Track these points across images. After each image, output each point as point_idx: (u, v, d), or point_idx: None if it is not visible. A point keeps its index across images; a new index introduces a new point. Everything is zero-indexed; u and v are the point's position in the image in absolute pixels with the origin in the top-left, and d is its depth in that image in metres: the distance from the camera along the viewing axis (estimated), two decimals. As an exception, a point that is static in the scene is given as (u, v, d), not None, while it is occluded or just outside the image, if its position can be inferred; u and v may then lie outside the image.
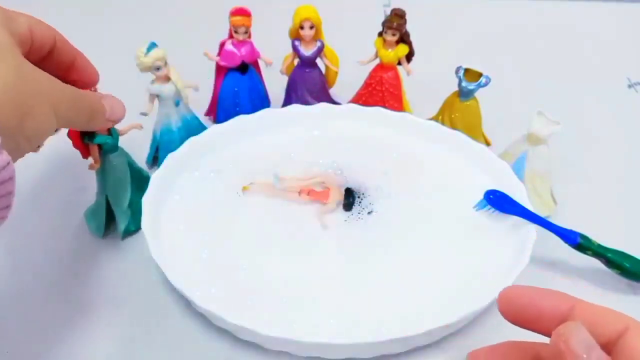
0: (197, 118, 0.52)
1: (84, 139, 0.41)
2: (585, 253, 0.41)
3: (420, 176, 0.47)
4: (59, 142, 0.42)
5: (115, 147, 0.43)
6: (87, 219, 0.46)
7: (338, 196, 0.44)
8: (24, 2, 0.83)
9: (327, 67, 0.55)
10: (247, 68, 0.54)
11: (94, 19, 0.80)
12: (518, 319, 0.22)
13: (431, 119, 0.53)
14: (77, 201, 0.47)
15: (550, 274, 0.43)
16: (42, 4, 0.83)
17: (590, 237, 0.41)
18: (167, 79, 0.47)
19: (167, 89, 0.47)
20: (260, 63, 0.55)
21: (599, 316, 0.20)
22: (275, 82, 0.57)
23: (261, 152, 0.49)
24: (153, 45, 0.45)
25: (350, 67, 0.56)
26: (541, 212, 0.47)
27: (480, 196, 0.44)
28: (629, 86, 0.67)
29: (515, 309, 0.22)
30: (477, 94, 0.50)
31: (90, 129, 0.34)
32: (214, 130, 0.49)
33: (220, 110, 0.56)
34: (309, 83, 0.55)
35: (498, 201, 0.42)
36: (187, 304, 0.39)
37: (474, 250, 0.41)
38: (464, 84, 0.49)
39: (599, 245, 0.41)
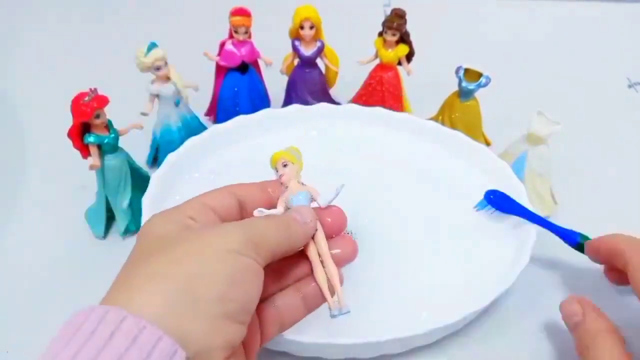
0: (197, 118, 0.52)
1: (84, 139, 0.41)
2: (585, 253, 0.41)
3: (420, 176, 0.47)
4: (59, 142, 0.42)
5: (115, 147, 0.43)
6: (87, 218, 0.46)
7: None
8: (26, 3, 0.83)
9: (327, 67, 0.55)
10: (247, 68, 0.54)
11: (94, 19, 0.80)
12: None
13: (431, 119, 0.53)
14: (77, 201, 0.47)
15: (550, 274, 0.43)
16: (43, 4, 0.83)
17: (590, 237, 0.41)
18: (167, 79, 0.47)
19: (167, 89, 0.47)
20: (260, 63, 0.55)
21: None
22: (275, 82, 0.57)
23: (261, 152, 0.49)
24: (153, 46, 0.45)
25: (350, 67, 0.56)
26: (541, 212, 0.47)
27: (481, 196, 0.44)
28: (629, 86, 0.67)
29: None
30: (477, 94, 0.50)
31: (296, 247, 0.28)
32: (214, 131, 0.49)
33: (220, 110, 0.56)
34: (309, 83, 0.55)
35: (498, 201, 0.42)
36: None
37: (474, 251, 0.41)
38: (464, 84, 0.49)
39: None
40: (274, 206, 0.30)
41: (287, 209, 0.30)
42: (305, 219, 0.28)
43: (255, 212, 0.29)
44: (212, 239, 0.24)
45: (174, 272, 0.22)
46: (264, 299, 0.29)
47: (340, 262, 0.29)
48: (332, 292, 0.29)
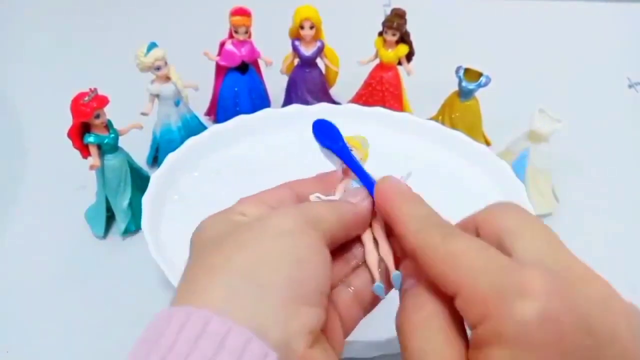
0: (197, 118, 0.52)
1: (84, 139, 0.41)
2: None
3: (420, 176, 0.47)
4: (59, 142, 0.42)
5: (115, 147, 0.43)
6: (87, 218, 0.46)
7: None
8: (27, 3, 0.83)
9: (327, 67, 0.55)
10: (247, 68, 0.54)
11: (94, 19, 0.80)
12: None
13: (431, 119, 0.53)
14: (77, 201, 0.47)
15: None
16: (43, 5, 0.83)
17: None
18: (167, 79, 0.47)
19: (167, 89, 0.47)
20: (260, 63, 0.55)
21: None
22: (275, 82, 0.57)
23: (261, 152, 0.49)
24: (153, 45, 0.45)
25: (350, 67, 0.56)
26: (543, 210, 0.47)
27: (480, 197, 0.44)
28: (629, 86, 0.67)
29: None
30: (477, 94, 0.50)
31: (351, 229, 0.26)
32: (214, 130, 0.49)
33: (220, 110, 0.56)
34: (309, 83, 0.55)
35: (322, 132, 0.33)
36: (187, 304, 0.39)
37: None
38: (464, 83, 0.49)
39: None
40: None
41: None
42: (358, 198, 0.27)
43: (312, 197, 0.27)
44: (267, 224, 0.22)
45: (233, 263, 0.20)
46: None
47: None
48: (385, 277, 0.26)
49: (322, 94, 0.56)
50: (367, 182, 0.28)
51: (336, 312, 0.25)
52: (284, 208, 0.24)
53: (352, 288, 0.26)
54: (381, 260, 0.26)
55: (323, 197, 0.27)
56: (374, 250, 0.27)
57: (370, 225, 0.27)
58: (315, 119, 0.31)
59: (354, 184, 0.28)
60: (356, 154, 0.29)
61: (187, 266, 0.23)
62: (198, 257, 0.23)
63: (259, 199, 0.26)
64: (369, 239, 0.27)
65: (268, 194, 0.27)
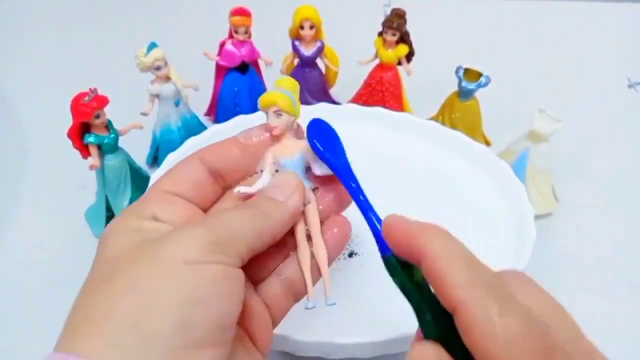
0: (197, 118, 0.52)
1: (84, 139, 0.41)
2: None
3: (420, 176, 0.47)
4: (59, 142, 0.42)
5: (115, 147, 0.43)
6: (87, 218, 0.46)
7: None
8: (27, 3, 0.83)
9: (327, 67, 0.55)
10: (247, 68, 0.54)
11: (94, 19, 0.80)
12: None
13: (431, 119, 0.53)
14: (77, 201, 0.47)
15: (550, 274, 0.43)
16: (43, 4, 0.83)
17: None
18: (167, 79, 0.47)
19: (167, 89, 0.47)
20: (260, 63, 0.56)
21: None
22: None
23: (261, 152, 0.49)
24: (153, 46, 0.45)
25: (350, 67, 0.56)
26: (543, 210, 0.47)
27: (481, 197, 0.44)
28: (629, 86, 0.67)
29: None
30: (477, 94, 0.50)
31: (279, 235, 0.23)
32: (214, 130, 0.49)
33: (220, 110, 0.56)
34: (309, 83, 0.55)
35: (320, 136, 0.26)
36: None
37: (473, 251, 0.41)
38: (464, 84, 0.49)
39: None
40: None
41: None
42: (287, 193, 0.23)
43: (235, 191, 0.23)
44: (166, 253, 0.20)
45: (117, 312, 0.19)
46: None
47: (336, 242, 0.25)
48: (315, 279, 0.24)
49: (322, 94, 0.56)
50: (371, 221, 0.24)
51: (265, 306, 0.24)
52: (190, 229, 0.21)
53: (283, 276, 0.25)
54: (313, 257, 0.24)
55: (248, 189, 0.23)
56: (307, 248, 0.24)
57: (304, 214, 0.24)
58: (312, 118, 0.26)
59: (285, 163, 0.24)
60: (287, 120, 0.24)
61: (78, 294, 0.22)
62: (88, 287, 0.21)
63: (171, 191, 0.23)
64: (302, 232, 0.24)
65: (180, 176, 0.24)
